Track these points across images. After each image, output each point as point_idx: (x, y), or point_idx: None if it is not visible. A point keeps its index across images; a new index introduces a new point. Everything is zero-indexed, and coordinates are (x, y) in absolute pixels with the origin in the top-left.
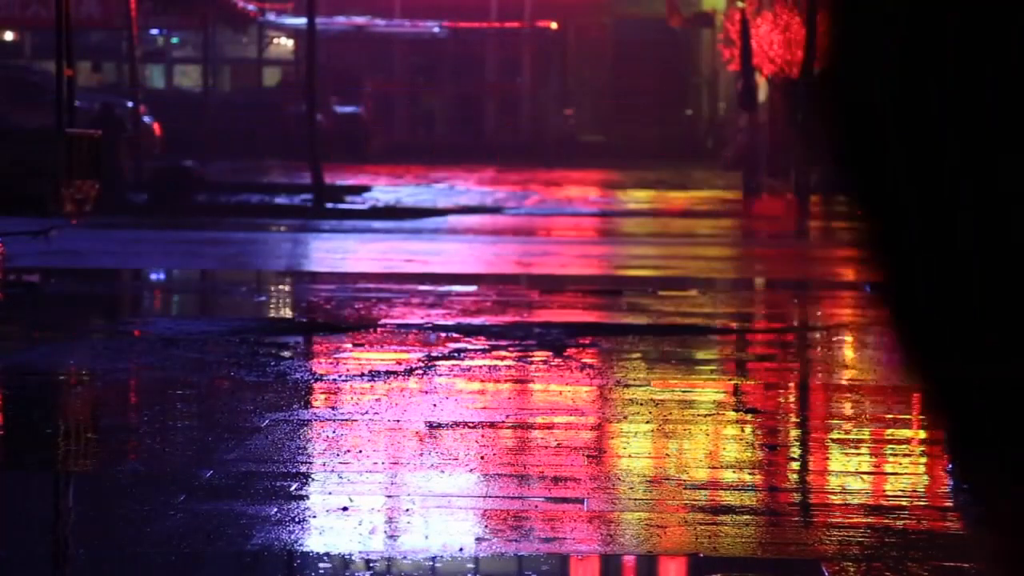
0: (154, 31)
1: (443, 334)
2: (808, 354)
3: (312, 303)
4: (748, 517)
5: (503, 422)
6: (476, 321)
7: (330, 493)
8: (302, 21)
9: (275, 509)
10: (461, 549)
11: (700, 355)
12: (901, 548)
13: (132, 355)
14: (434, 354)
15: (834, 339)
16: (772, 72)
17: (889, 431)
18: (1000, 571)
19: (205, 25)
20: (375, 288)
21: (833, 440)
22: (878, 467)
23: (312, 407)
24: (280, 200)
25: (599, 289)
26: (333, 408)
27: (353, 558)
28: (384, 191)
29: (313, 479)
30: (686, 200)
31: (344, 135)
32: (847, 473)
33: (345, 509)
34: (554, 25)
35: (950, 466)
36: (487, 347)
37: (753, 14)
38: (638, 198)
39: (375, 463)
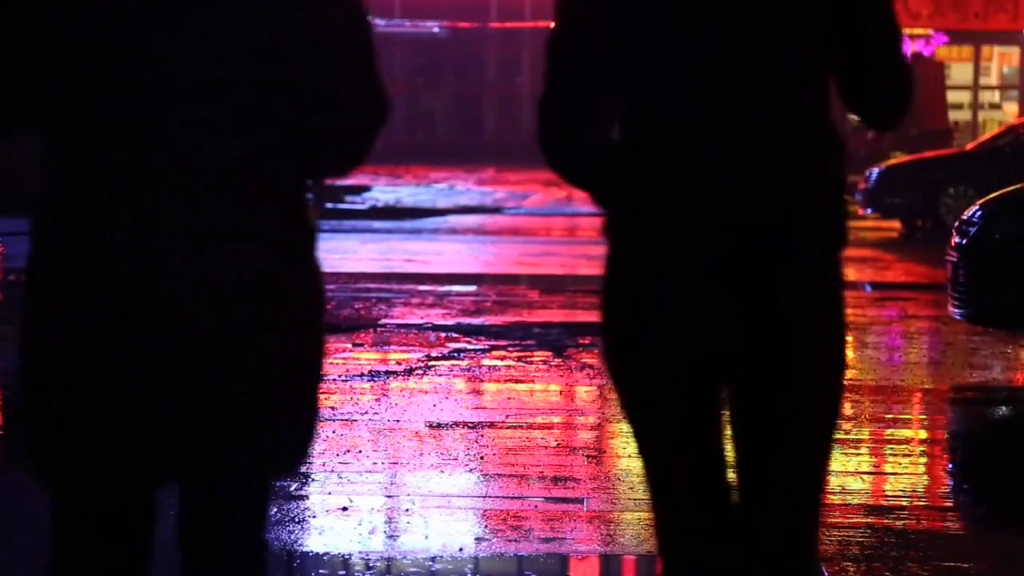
0: None
1: (443, 334)
2: None
3: None
4: None
5: (503, 422)
6: (476, 321)
7: (330, 493)
8: None
9: (275, 509)
10: (461, 549)
11: None
12: (901, 548)
13: None
14: (434, 354)
15: None
16: None
17: (889, 431)
18: None
19: None
20: (375, 288)
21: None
22: (878, 467)
23: None
24: None
25: (599, 289)
26: (333, 408)
27: (353, 558)
28: (384, 191)
29: (313, 479)
30: None
31: None
32: (847, 473)
33: (345, 509)
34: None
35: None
36: (487, 347)
37: None
38: None
39: (375, 463)
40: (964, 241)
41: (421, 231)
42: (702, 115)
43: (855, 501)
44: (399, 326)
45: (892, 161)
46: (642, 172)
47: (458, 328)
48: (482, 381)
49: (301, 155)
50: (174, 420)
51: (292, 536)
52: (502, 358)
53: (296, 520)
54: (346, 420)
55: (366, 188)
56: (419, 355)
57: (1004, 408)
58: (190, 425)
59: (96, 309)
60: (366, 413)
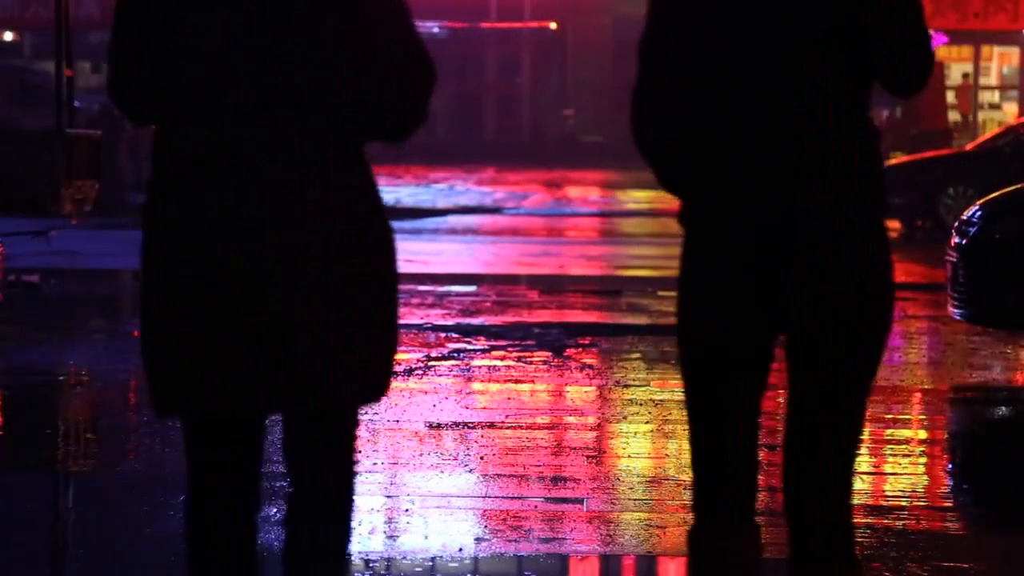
0: None
1: (442, 334)
2: None
3: None
4: None
5: (503, 422)
6: (476, 321)
7: None
8: None
9: (275, 509)
10: (461, 549)
11: None
12: (901, 548)
13: (132, 355)
14: (434, 354)
15: None
16: None
17: (889, 431)
18: None
19: None
20: None
21: None
22: (878, 467)
23: None
24: None
25: (599, 289)
26: None
27: (353, 558)
28: (384, 191)
29: None
30: None
31: None
32: None
33: None
34: (554, 25)
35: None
36: (487, 347)
37: None
38: (638, 198)
39: (375, 463)
40: (964, 241)
41: (421, 231)
42: (738, 115)
43: (855, 501)
44: (398, 326)
45: (892, 161)
46: (693, 168)
47: (458, 328)
48: (482, 381)
49: (366, 124)
50: (271, 360)
51: None
52: (501, 358)
53: None
54: None
55: None
56: (419, 355)
57: (1004, 408)
58: (286, 363)
59: (179, 275)
60: (366, 413)
